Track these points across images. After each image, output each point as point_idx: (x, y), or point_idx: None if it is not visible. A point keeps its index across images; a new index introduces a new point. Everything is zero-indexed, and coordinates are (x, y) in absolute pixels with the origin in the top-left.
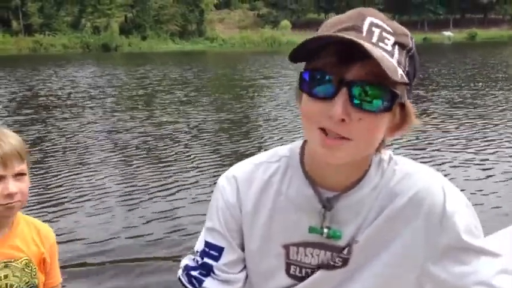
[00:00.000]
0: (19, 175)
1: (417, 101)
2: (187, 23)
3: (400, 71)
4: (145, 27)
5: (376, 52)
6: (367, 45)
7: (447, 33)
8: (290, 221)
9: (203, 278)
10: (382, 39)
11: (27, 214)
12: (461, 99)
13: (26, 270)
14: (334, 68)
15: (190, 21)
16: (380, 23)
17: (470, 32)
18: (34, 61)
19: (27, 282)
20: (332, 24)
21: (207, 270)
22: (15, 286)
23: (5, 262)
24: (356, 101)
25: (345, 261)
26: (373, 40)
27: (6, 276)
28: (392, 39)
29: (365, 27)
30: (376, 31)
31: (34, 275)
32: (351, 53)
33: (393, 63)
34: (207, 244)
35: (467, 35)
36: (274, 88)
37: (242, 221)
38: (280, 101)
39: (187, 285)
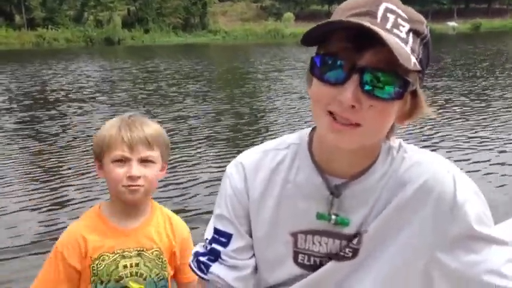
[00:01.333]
0: (145, 161)
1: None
2: (189, 16)
3: (413, 59)
4: (147, 21)
5: (389, 39)
6: (381, 32)
7: (451, 23)
8: (298, 208)
9: (210, 263)
10: (396, 25)
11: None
12: (466, 90)
13: (157, 261)
14: (346, 53)
15: (192, 14)
16: (395, 8)
17: (475, 22)
18: (38, 56)
19: (157, 274)
20: (347, 9)
21: (215, 256)
22: (144, 275)
23: (138, 250)
24: (367, 88)
25: (355, 252)
26: (388, 26)
27: (137, 265)
28: (407, 26)
29: (380, 13)
30: (391, 17)
31: (164, 268)
32: (364, 39)
33: (407, 50)
34: (216, 231)
35: (472, 26)
36: (286, 79)
37: (249, 207)
38: (291, 91)
39: (196, 271)
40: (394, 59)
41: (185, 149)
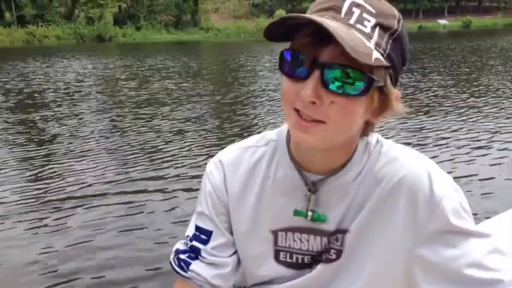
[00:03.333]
0: None
1: (408, 87)
2: (181, 13)
3: (376, 54)
4: (139, 18)
5: (344, 34)
6: (333, 28)
7: (442, 21)
8: (277, 205)
9: (190, 261)
10: (361, 20)
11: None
12: (453, 87)
13: None
14: (308, 49)
15: (184, 11)
16: (362, 2)
17: (465, 20)
18: (28, 53)
19: None
20: (316, 3)
21: (196, 253)
22: None
23: None
24: (327, 84)
25: (339, 253)
26: (351, 21)
27: None
28: (373, 21)
29: (345, 8)
30: (356, 12)
31: None
32: (325, 34)
33: (368, 45)
34: (197, 228)
35: (462, 23)
36: (276, 76)
37: (229, 204)
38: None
39: (176, 269)
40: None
41: (172, 148)
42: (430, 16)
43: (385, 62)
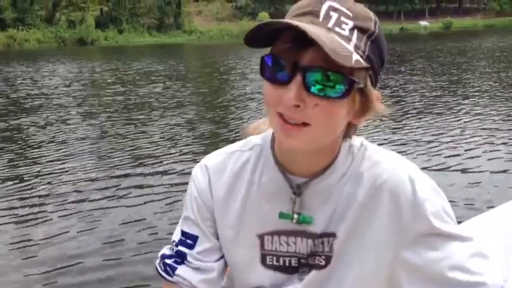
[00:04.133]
0: None
1: (391, 88)
2: (164, 16)
3: (356, 56)
4: (121, 21)
5: (324, 37)
6: (313, 32)
7: (423, 23)
8: (263, 209)
9: (176, 266)
10: (339, 24)
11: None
12: (436, 87)
13: None
14: (288, 53)
15: (167, 14)
16: (338, 6)
17: (446, 21)
18: (11, 57)
19: None
20: (294, 9)
21: (181, 258)
22: None
23: None
24: (310, 87)
25: (328, 259)
26: (329, 25)
27: None
28: (350, 24)
29: (322, 12)
30: (334, 15)
31: None
32: (305, 38)
33: (347, 48)
34: (183, 233)
35: (443, 24)
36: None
37: (214, 209)
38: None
39: (162, 274)
40: (331, 57)
41: (162, 152)
42: (411, 18)
43: (364, 64)
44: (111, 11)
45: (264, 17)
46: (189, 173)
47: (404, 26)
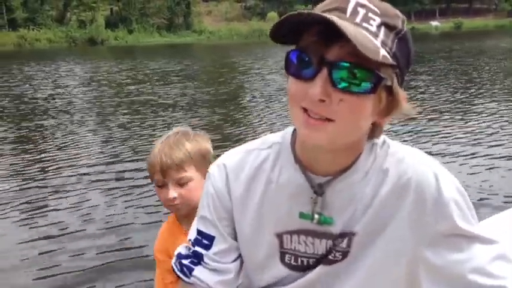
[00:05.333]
0: (180, 183)
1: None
2: (173, 16)
3: (382, 52)
4: (131, 21)
5: (352, 31)
6: (342, 24)
7: (434, 23)
8: (282, 208)
9: (193, 267)
10: (366, 19)
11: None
12: (460, 87)
13: None
14: (314, 47)
15: (176, 14)
16: (366, 3)
17: (457, 21)
18: (20, 57)
19: None
20: (320, 6)
21: (198, 259)
22: None
23: None
24: (336, 82)
25: (345, 255)
26: (357, 20)
27: None
28: (378, 20)
29: (350, 8)
30: (361, 11)
31: None
32: (331, 33)
33: (375, 43)
34: (199, 232)
35: (454, 25)
36: (273, 78)
37: (233, 208)
38: (278, 89)
39: (179, 274)
40: (360, 52)
41: None
42: (421, 18)
43: (391, 60)
44: (121, 10)
45: (273, 16)
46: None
47: (415, 26)
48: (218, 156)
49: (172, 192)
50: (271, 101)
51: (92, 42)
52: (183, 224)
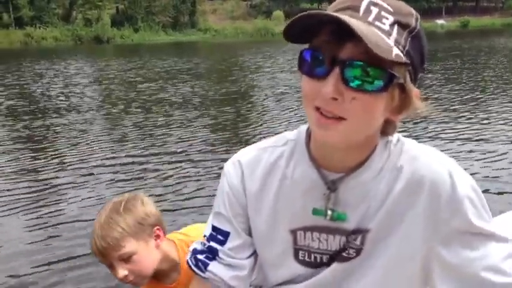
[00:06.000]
0: (124, 259)
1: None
2: (179, 14)
3: (396, 51)
4: (137, 19)
5: (364, 30)
6: (354, 23)
7: (440, 21)
8: (296, 205)
9: (208, 262)
10: (379, 18)
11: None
12: (475, 86)
13: None
14: (327, 46)
15: (182, 12)
16: (379, 1)
17: (463, 20)
18: (27, 55)
19: None
20: (334, 5)
21: (213, 254)
22: None
23: None
24: (348, 80)
25: (358, 252)
26: (369, 19)
27: None
28: (391, 19)
29: (363, 7)
30: (374, 10)
31: None
32: (344, 32)
33: (388, 42)
34: (214, 228)
35: (460, 23)
36: (281, 76)
37: (247, 205)
38: (288, 87)
39: (194, 269)
40: (372, 51)
41: (180, 152)
42: (427, 16)
43: (404, 59)
44: (127, 9)
45: (278, 15)
46: (219, 171)
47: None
48: (228, 157)
49: (121, 271)
50: (283, 100)
51: (98, 40)
52: (164, 278)
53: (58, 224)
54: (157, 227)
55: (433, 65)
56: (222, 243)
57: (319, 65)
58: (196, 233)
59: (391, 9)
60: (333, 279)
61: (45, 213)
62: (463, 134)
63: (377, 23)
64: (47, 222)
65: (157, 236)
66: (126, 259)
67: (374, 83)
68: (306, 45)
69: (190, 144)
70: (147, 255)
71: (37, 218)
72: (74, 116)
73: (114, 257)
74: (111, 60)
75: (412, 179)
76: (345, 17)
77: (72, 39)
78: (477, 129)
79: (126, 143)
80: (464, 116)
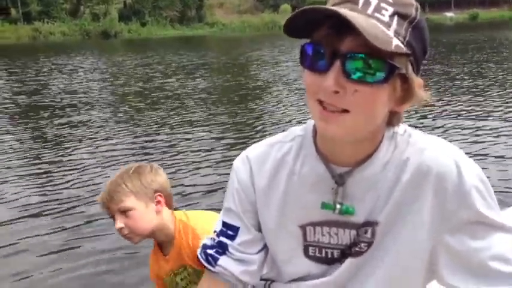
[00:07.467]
0: (123, 212)
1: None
2: (186, 9)
3: (395, 42)
4: (144, 13)
5: (362, 23)
6: (352, 16)
7: (449, 14)
8: (304, 200)
9: (218, 256)
10: (379, 9)
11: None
12: (464, 77)
13: (194, 275)
14: (327, 40)
15: (189, 7)
16: None
17: (472, 12)
18: (35, 50)
19: (195, 282)
20: None
21: (223, 249)
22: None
23: (174, 272)
24: (349, 73)
25: (369, 245)
26: (369, 11)
27: (176, 283)
28: (390, 10)
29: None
30: (373, 2)
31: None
32: (344, 25)
33: (387, 33)
34: (224, 224)
35: (469, 16)
36: (289, 71)
37: (256, 200)
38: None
39: (204, 263)
40: (371, 43)
41: (188, 146)
42: (436, 9)
43: (405, 49)
44: (134, 3)
45: (286, 9)
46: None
47: (429, 17)
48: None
49: (119, 223)
50: (302, 94)
51: (106, 35)
52: (163, 249)
53: (74, 221)
54: (159, 193)
55: (437, 58)
56: (232, 238)
57: (320, 58)
58: (196, 221)
59: (391, 0)
60: (348, 275)
61: (60, 210)
62: (471, 126)
63: (376, 14)
64: (66, 221)
65: (158, 202)
66: (125, 213)
67: (375, 74)
68: (308, 40)
69: (209, 138)
70: (144, 215)
71: (57, 218)
72: (91, 112)
73: (115, 209)
74: (120, 55)
75: (419, 170)
76: (343, 10)
77: (79, 33)
78: (487, 121)
79: (144, 138)
80: (477, 109)
